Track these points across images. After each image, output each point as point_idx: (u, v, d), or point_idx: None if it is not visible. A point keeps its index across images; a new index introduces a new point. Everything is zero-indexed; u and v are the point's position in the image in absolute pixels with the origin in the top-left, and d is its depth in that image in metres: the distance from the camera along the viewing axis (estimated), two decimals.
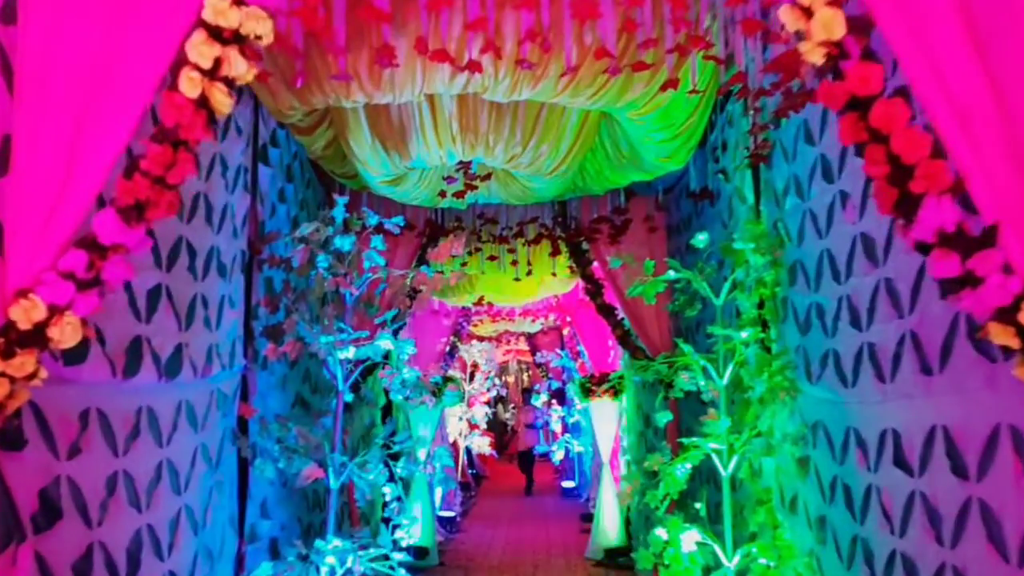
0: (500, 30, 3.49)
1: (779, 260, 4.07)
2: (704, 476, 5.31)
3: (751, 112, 4.15)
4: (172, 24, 2.17)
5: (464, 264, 7.31)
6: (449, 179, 5.63)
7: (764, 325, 4.20)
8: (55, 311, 2.12)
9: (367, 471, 4.32)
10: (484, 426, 17.09)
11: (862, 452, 3.26)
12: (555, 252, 7.33)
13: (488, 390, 17.45)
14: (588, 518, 10.93)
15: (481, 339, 15.97)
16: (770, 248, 4.06)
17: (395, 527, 4.47)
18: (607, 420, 9.77)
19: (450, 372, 11.90)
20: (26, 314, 2.07)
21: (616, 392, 9.45)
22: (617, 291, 7.02)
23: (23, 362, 2.09)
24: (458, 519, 12.21)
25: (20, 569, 2.27)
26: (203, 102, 2.20)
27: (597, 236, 6.92)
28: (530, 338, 17.83)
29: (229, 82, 2.22)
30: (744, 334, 4.09)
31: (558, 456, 16.50)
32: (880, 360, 3.08)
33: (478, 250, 7.39)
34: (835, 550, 3.53)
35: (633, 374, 8.00)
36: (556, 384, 17.59)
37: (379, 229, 4.58)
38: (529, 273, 7.69)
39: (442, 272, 4.81)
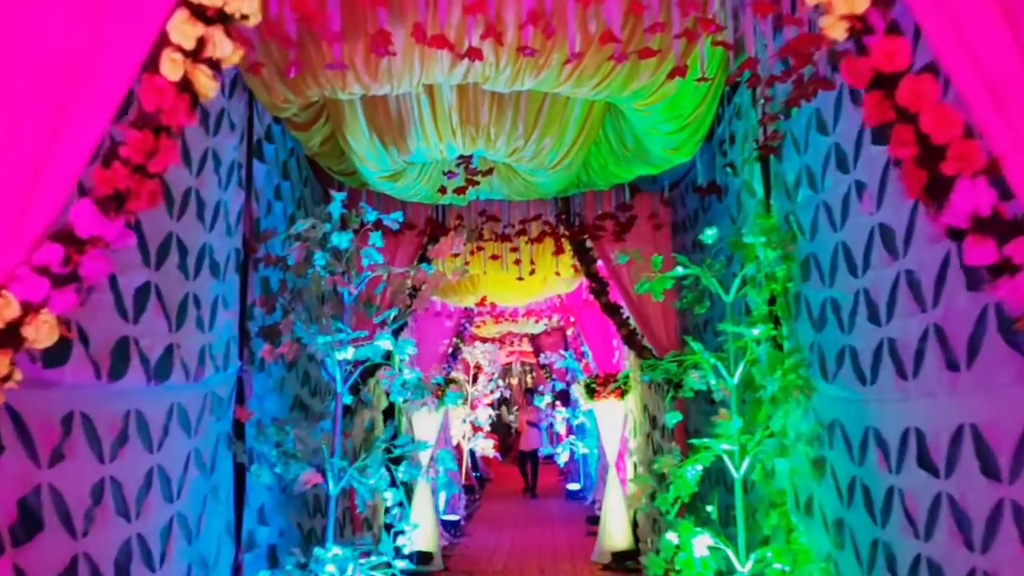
0: (501, 15, 3.37)
1: (791, 254, 3.97)
2: (714, 478, 5.19)
3: (761, 102, 4.04)
4: (153, 2, 2.04)
5: (466, 263, 7.20)
6: (450, 174, 5.51)
7: (776, 322, 4.09)
8: (29, 309, 1.99)
9: (367, 476, 4.18)
10: (488, 428, 17.00)
11: (882, 452, 3.14)
12: (559, 251, 7.24)
13: (491, 392, 17.36)
14: (594, 521, 10.82)
15: (484, 340, 15.91)
16: (781, 242, 3.96)
17: (397, 534, 4.32)
18: (613, 421, 9.65)
19: (453, 374, 11.81)
20: None
21: (622, 393, 9.35)
22: (622, 289, 6.92)
23: None
24: (462, 523, 12.11)
25: None
26: (186, 85, 2.06)
27: (601, 234, 6.80)
28: (533, 339, 17.78)
29: (214, 64, 2.09)
30: (756, 331, 3.97)
31: (563, 458, 16.39)
32: (901, 356, 2.96)
33: (480, 249, 7.30)
34: (854, 554, 3.41)
35: (640, 374, 7.89)
36: (560, 385, 17.51)
37: (378, 226, 4.45)
38: (532, 272, 7.61)
39: (443, 271, 4.69)
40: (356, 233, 4.39)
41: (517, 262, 7.42)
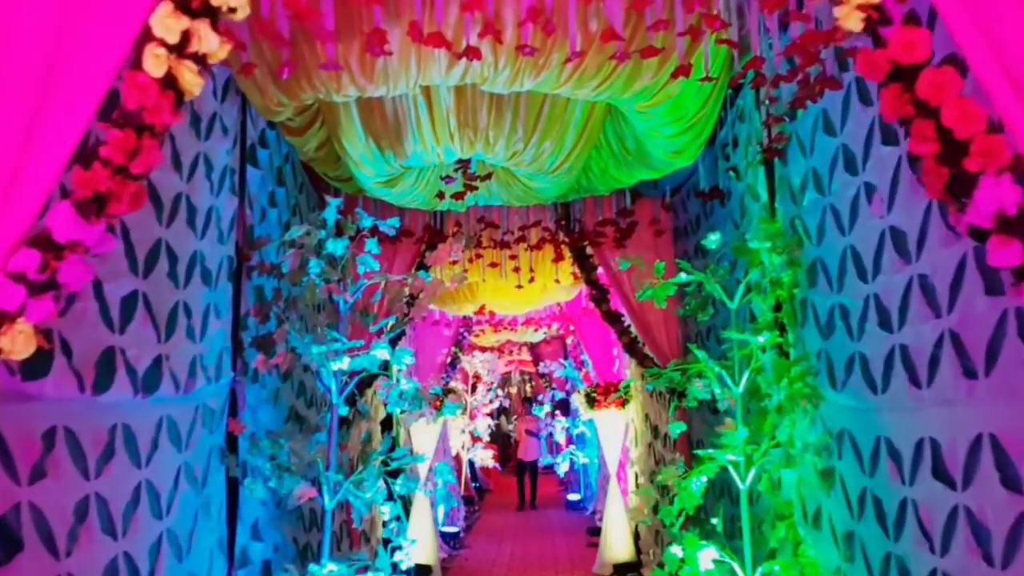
0: (500, 13, 3.29)
1: (797, 259, 3.90)
2: (719, 489, 5.10)
3: (765, 103, 3.96)
4: None
5: (465, 271, 7.11)
6: (447, 179, 5.42)
7: (781, 329, 4.01)
8: (5, 318, 1.88)
9: (364, 490, 4.07)
10: (487, 438, 16.87)
11: (895, 463, 3.04)
12: (558, 258, 7.16)
13: (490, 402, 17.24)
14: (595, 532, 10.72)
15: (483, 349, 15.81)
16: (787, 247, 3.89)
17: (394, 549, 4.21)
18: (613, 431, 9.56)
19: (452, 384, 11.72)
20: None
21: (623, 402, 9.25)
22: (623, 296, 6.84)
23: None
24: (462, 534, 11.98)
25: None
26: (170, 82, 1.97)
27: (602, 240, 6.72)
28: (533, 348, 17.68)
29: (200, 60, 2.00)
30: (761, 339, 3.89)
31: (563, 468, 16.26)
32: (915, 363, 2.87)
33: (479, 257, 7.22)
34: (865, 568, 3.32)
35: (643, 383, 7.81)
36: (560, 395, 17.39)
37: (374, 232, 4.34)
38: (531, 280, 7.54)
39: (441, 279, 4.58)
40: (352, 239, 4.29)
41: (516, 270, 7.36)
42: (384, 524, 4.44)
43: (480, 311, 9.72)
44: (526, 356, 18.94)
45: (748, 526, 3.91)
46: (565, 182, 5.81)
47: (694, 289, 4.24)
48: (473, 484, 16.21)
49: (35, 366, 2.37)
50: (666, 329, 6.71)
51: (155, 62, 1.94)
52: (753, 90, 4.28)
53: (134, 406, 3.04)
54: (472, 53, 3.16)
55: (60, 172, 1.93)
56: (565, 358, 15.52)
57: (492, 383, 17.44)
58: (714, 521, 4.13)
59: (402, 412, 4.55)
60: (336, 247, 4.15)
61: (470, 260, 7.27)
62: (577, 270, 7.29)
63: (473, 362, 15.54)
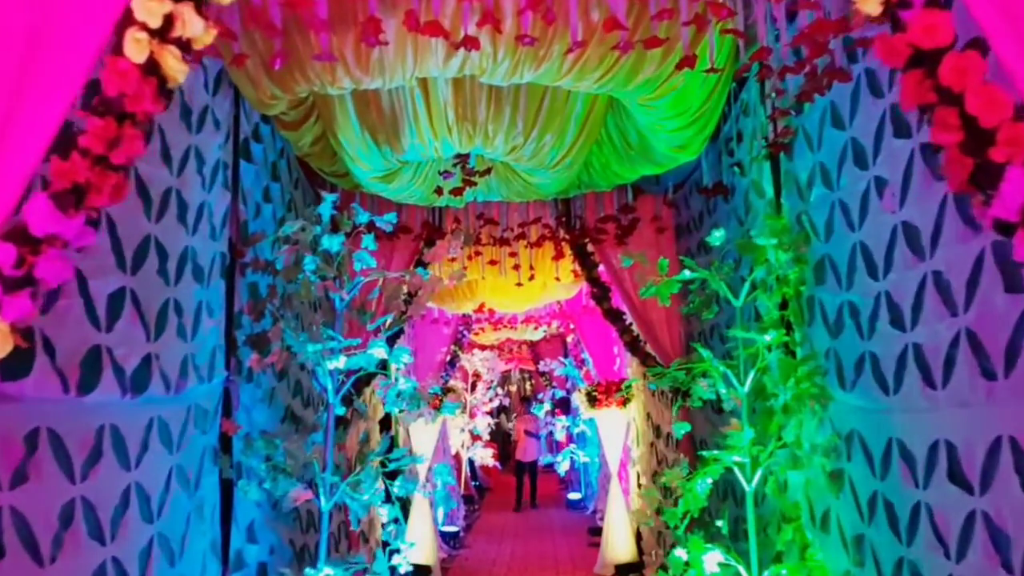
0: (499, 2, 3.20)
1: (804, 256, 3.82)
2: (724, 491, 5.01)
3: (771, 96, 3.86)
4: None
5: (464, 268, 7.03)
6: (446, 174, 5.32)
7: (788, 327, 3.93)
8: None
9: (361, 492, 3.97)
10: (487, 437, 16.78)
11: (908, 466, 2.95)
12: (558, 255, 7.07)
13: (490, 400, 17.15)
14: (596, 531, 10.64)
15: (483, 348, 15.73)
16: (793, 244, 3.81)
17: (392, 552, 4.12)
18: (615, 430, 9.47)
19: (451, 382, 11.64)
20: None
21: (625, 401, 9.17)
22: (625, 294, 6.75)
23: None
24: (461, 534, 11.90)
25: None
26: (152, 68, 1.87)
27: (603, 237, 6.62)
28: (533, 346, 17.59)
29: (183, 45, 1.90)
30: (767, 337, 3.80)
31: (563, 467, 16.17)
32: (929, 363, 2.78)
33: (478, 254, 7.13)
34: (876, 572, 3.23)
35: (646, 382, 7.73)
36: (560, 393, 17.29)
37: (370, 228, 4.25)
38: (531, 278, 7.45)
39: (440, 276, 4.49)
40: (348, 236, 4.19)
41: (516, 267, 7.29)
42: (383, 526, 4.36)
43: (479, 309, 9.65)
44: (526, 354, 18.87)
45: (754, 529, 3.83)
46: (566, 177, 5.73)
47: (698, 287, 4.15)
48: (473, 483, 16.14)
49: (15, 366, 2.28)
50: (668, 327, 6.62)
51: (136, 47, 1.85)
52: (759, 83, 4.19)
53: (122, 407, 2.94)
54: (470, 43, 3.06)
55: (38, 162, 1.83)
56: (565, 356, 15.43)
57: (492, 381, 17.35)
58: (719, 523, 4.04)
59: (400, 412, 4.45)
60: (332, 243, 4.06)
61: (469, 257, 7.19)
62: (578, 267, 7.20)
63: (473, 361, 15.45)
